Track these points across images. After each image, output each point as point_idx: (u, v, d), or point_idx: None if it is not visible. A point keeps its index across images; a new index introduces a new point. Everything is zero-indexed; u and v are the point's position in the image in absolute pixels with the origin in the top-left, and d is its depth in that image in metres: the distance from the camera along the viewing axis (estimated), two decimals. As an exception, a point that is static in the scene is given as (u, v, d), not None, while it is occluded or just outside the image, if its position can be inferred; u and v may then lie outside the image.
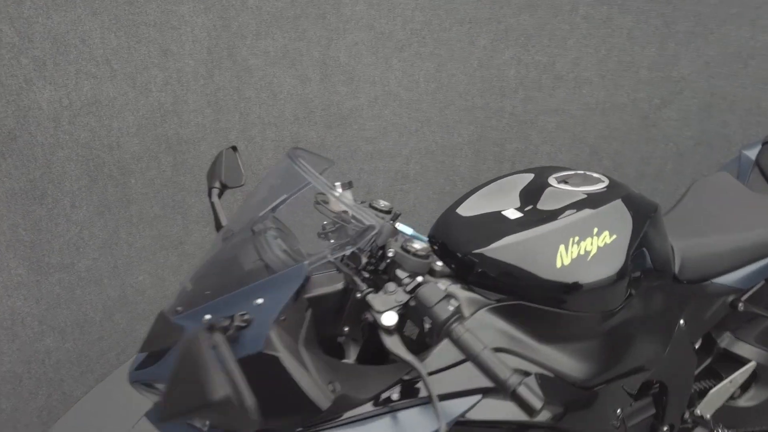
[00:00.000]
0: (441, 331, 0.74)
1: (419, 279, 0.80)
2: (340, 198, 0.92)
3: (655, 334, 1.04)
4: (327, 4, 2.24)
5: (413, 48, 2.47)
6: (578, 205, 0.95)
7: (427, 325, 0.76)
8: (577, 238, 0.88)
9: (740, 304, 1.14)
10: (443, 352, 0.83)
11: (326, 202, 0.98)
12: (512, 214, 0.97)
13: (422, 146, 2.65)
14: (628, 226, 0.94)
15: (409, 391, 0.82)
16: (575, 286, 0.87)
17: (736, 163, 1.43)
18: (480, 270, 0.90)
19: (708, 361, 1.24)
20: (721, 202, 1.25)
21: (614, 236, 0.91)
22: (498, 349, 0.85)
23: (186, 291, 0.85)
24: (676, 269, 1.07)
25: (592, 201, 0.96)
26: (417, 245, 0.86)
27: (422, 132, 2.62)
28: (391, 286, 0.82)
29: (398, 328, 0.81)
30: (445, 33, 2.47)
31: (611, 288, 0.89)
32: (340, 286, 0.88)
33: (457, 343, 0.72)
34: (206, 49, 2.03)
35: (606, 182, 1.03)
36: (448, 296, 0.76)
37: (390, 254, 0.85)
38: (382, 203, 0.99)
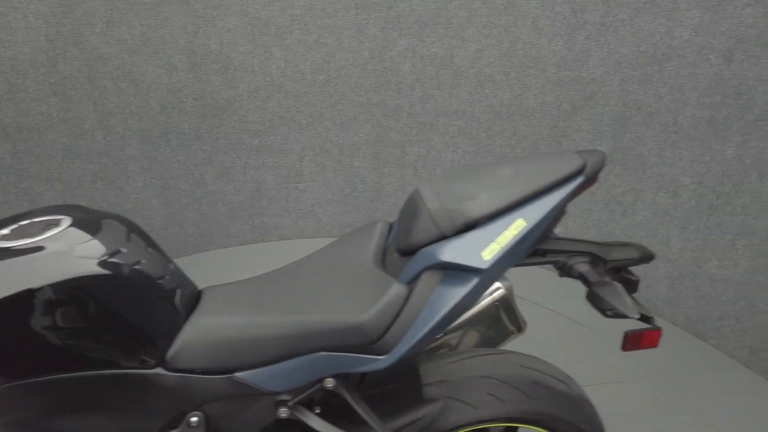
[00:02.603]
0: None
1: None
2: None
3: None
4: (188, -12, 2.09)
5: (295, 35, 2.24)
6: None
7: None
8: None
9: (283, 410, 0.84)
10: None
11: None
12: None
13: (316, 143, 2.43)
14: None
15: None
16: None
17: None
18: None
19: None
20: (324, 267, 0.91)
21: None
22: None
23: None
24: (171, 353, 0.80)
25: None
26: None
27: (314, 127, 2.40)
28: None
29: None
30: (330, 19, 2.21)
31: None
32: None
33: None
34: (44, 36, 1.98)
35: (59, 229, 0.75)
36: None
37: None
38: None
